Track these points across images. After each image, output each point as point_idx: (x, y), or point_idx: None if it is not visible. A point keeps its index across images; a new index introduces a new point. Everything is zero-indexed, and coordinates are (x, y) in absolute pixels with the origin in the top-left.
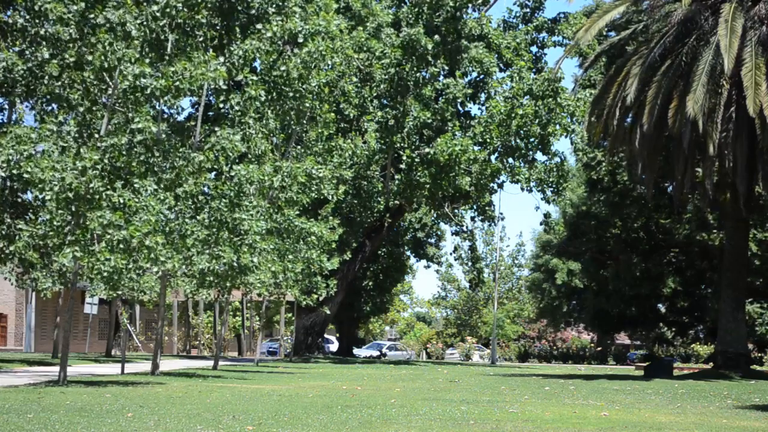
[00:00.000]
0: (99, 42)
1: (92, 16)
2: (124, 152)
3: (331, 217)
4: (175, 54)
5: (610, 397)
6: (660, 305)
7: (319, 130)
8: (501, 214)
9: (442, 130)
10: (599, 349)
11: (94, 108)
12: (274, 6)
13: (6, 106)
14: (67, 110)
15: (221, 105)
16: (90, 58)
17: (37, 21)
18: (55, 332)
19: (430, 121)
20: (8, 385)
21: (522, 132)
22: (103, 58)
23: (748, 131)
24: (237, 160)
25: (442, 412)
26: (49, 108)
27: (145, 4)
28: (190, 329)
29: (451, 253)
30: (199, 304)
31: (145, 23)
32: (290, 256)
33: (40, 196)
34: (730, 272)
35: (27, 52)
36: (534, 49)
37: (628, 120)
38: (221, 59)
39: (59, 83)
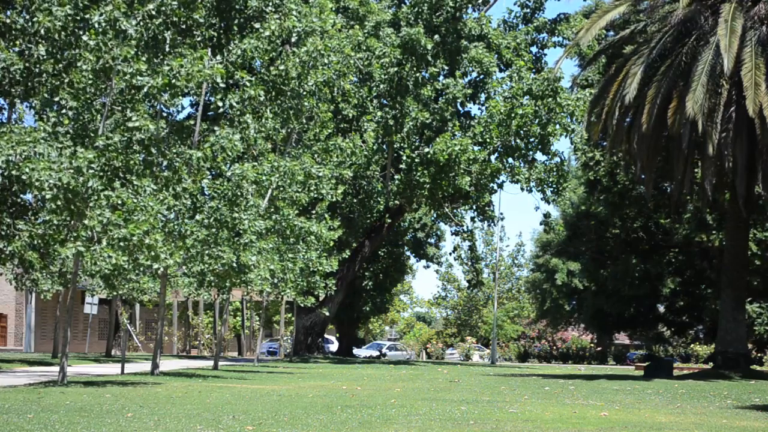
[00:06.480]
0: (93, 42)
1: (87, 16)
2: (121, 151)
3: (327, 216)
4: (170, 52)
5: (610, 397)
6: (659, 305)
7: (317, 130)
8: (501, 214)
9: (442, 130)
10: (599, 349)
11: (89, 106)
12: (271, 5)
13: (6, 107)
14: (65, 114)
15: (219, 103)
16: (83, 63)
17: (34, 20)
18: (55, 331)
19: (429, 121)
20: (8, 385)
21: (522, 132)
22: (95, 59)
23: (747, 131)
24: (235, 160)
25: (442, 412)
26: (47, 109)
27: (138, 3)
28: (190, 329)
29: (450, 253)
30: (199, 304)
31: (141, 22)
32: (290, 255)
33: (39, 196)
34: (730, 272)
35: (26, 52)
36: (534, 49)
37: (628, 120)
38: (219, 58)
39: (57, 82)
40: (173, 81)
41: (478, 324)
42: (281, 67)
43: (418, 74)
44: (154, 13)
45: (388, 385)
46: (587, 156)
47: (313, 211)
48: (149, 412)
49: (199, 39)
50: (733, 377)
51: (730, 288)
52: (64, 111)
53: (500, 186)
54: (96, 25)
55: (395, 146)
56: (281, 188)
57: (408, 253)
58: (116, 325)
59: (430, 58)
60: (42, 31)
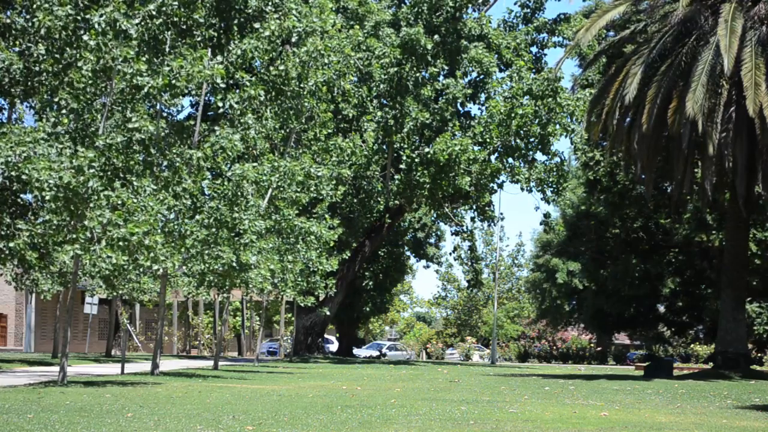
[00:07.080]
0: (93, 42)
1: (87, 16)
2: (121, 151)
3: (327, 216)
4: (170, 53)
5: (610, 397)
6: (659, 305)
7: (317, 130)
8: (501, 214)
9: (442, 130)
10: (599, 349)
11: (89, 107)
12: (270, 5)
13: (6, 107)
14: (65, 114)
15: (219, 104)
16: (83, 63)
17: (35, 19)
18: (55, 331)
19: (429, 121)
20: (8, 385)
21: (522, 132)
22: (95, 59)
23: (747, 131)
24: (235, 160)
25: (442, 412)
26: (47, 109)
27: (138, 3)
28: (190, 329)
29: (450, 253)
30: (199, 304)
31: (141, 22)
32: (290, 257)
33: (39, 196)
34: (730, 272)
35: (26, 52)
36: (534, 49)
37: (628, 120)
38: (219, 58)
39: (57, 82)
40: (173, 81)
41: (478, 324)
42: (281, 67)
43: (418, 74)
44: (154, 13)
45: (388, 385)
46: (587, 156)
47: (314, 211)
48: (149, 412)
49: (199, 39)
50: (733, 377)
51: (730, 288)
52: (64, 111)
53: (500, 186)
54: (96, 26)
55: (395, 146)
56: (281, 188)
57: (408, 253)
58: (116, 325)
59: (430, 58)
60: (43, 31)
